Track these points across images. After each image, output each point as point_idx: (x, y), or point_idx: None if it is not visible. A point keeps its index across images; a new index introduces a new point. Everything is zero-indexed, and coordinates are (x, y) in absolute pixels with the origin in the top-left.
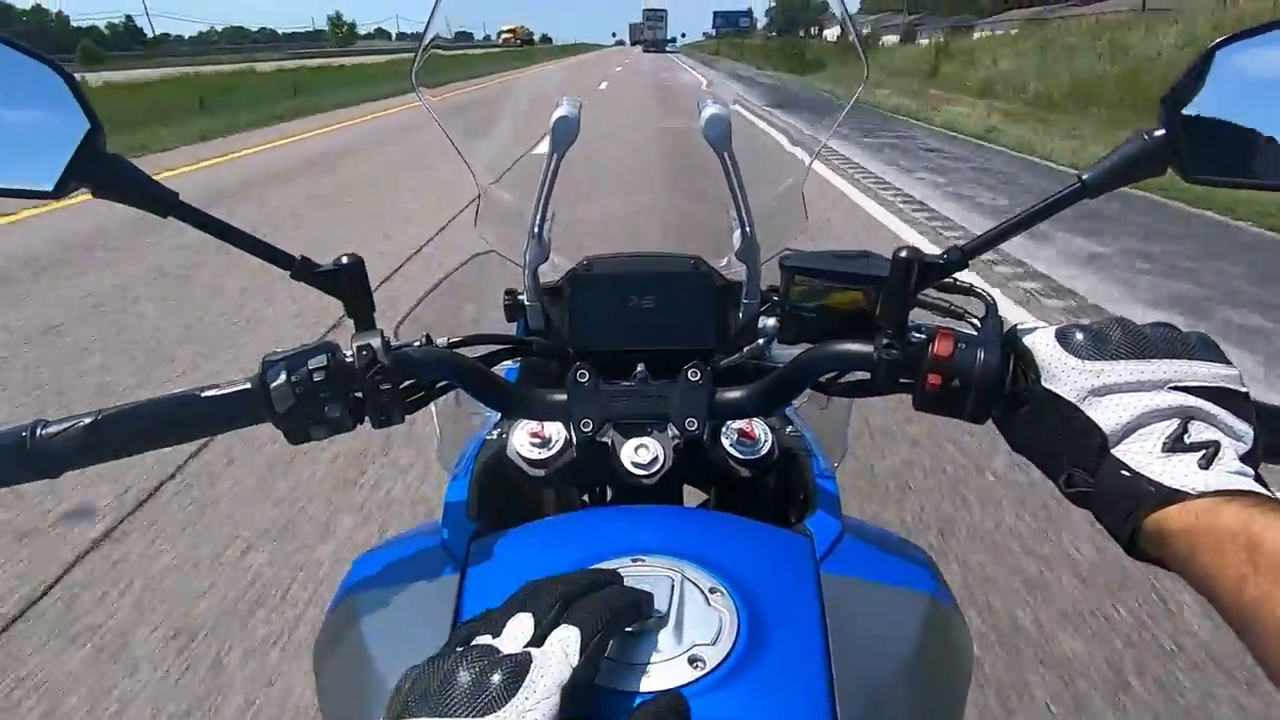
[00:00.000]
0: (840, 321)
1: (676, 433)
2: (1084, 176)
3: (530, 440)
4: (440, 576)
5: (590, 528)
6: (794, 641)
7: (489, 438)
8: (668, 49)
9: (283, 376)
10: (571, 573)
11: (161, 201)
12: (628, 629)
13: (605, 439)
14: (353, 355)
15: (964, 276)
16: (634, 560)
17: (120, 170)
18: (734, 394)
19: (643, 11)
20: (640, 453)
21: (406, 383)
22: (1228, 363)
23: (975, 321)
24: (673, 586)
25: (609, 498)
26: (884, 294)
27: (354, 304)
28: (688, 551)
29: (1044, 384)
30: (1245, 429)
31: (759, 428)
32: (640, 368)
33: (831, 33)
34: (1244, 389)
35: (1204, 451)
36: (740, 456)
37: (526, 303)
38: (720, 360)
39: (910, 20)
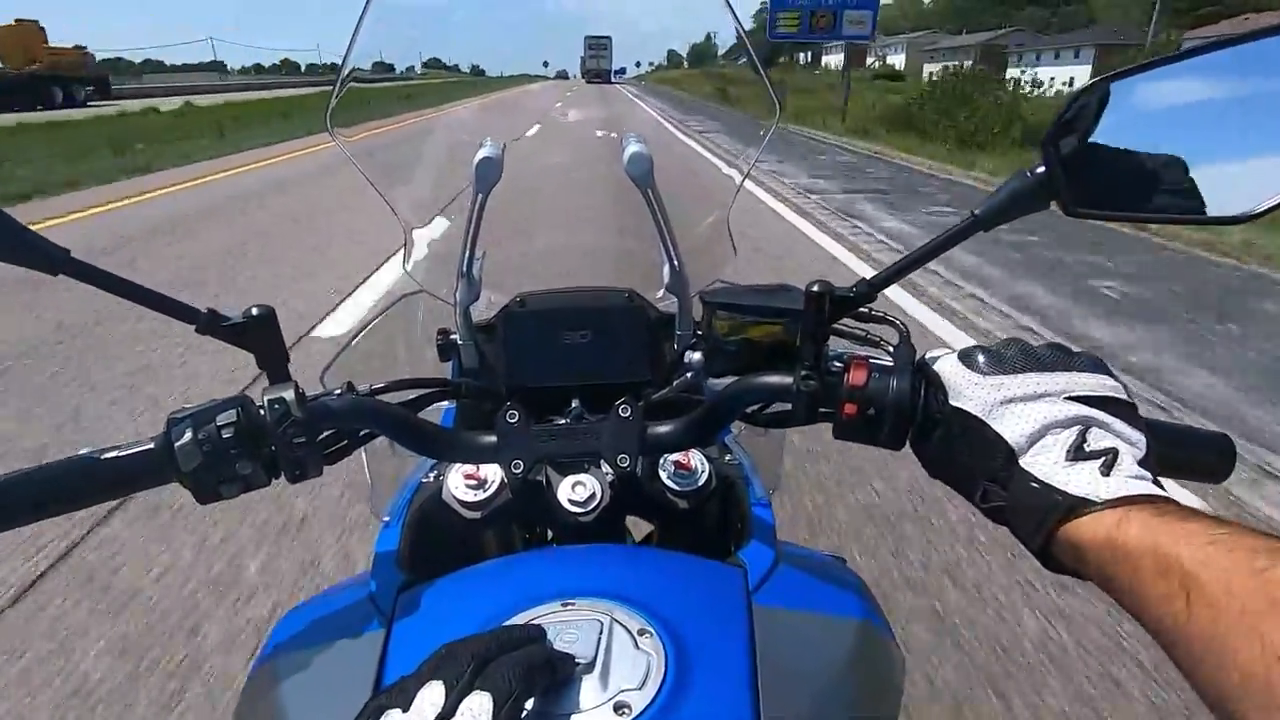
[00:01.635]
0: (764, 353)
1: (611, 469)
2: (976, 212)
3: (465, 483)
4: (365, 633)
5: (519, 573)
6: (722, 679)
7: (425, 481)
8: (615, 80)
9: (189, 434)
10: (487, 633)
11: (51, 258)
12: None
13: (540, 478)
14: (265, 409)
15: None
16: (564, 604)
17: (6, 228)
18: (664, 428)
19: (585, 39)
20: (577, 490)
21: (326, 433)
22: (1114, 377)
23: (891, 348)
24: (601, 630)
25: (550, 536)
26: (799, 327)
27: (266, 356)
28: (617, 592)
29: (952, 402)
30: (1139, 436)
31: (696, 459)
32: (575, 404)
33: (834, 59)
34: (1131, 400)
35: (1104, 458)
36: (678, 488)
37: (459, 342)
38: (653, 394)
39: (989, 41)
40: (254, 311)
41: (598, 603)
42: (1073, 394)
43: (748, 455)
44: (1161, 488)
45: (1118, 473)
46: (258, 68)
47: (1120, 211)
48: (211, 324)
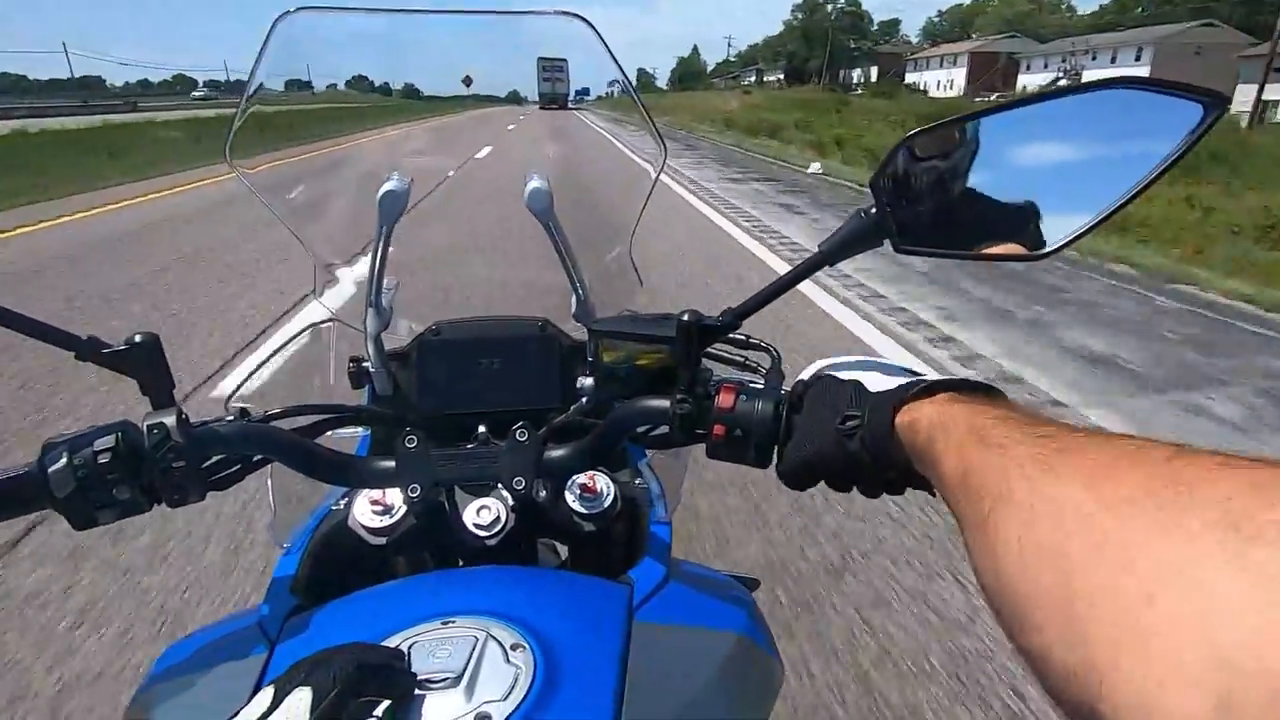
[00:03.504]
0: (649, 379)
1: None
2: (821, 248)
3: (372, 509)
4: (247, 657)
5: (404, 595)
6: (587, 689)
7: (334, 508)
8: (572, 105)
9: (64, 460)
10: (335, 647)
11: None
12: (418, 692)
13: (443, 501)
14: (145, 434)
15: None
16: (443, 623)
17: None
18: (559, 452)
19: (538, 61)
20: (481, 514)
21: (215, 459)
22: None
23: (765, 372)
24: (474, 646)
25: (460, 561)
26: (672, 354)
27: (149, 382)
28: (496, 610)
29: (806, 376)
30: None
31: (601, 481)
32: (481, 429)
33: (930, 76)
34: None
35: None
36: (583, 511)
37: (371, 369)
38: (554, 420)
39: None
40: (136, 338)
41: (476, 620)
42: (904, 369)
43: (657, 479)
44: None
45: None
46: (143, 84)
47: (941, 249)
48: (93, 350)
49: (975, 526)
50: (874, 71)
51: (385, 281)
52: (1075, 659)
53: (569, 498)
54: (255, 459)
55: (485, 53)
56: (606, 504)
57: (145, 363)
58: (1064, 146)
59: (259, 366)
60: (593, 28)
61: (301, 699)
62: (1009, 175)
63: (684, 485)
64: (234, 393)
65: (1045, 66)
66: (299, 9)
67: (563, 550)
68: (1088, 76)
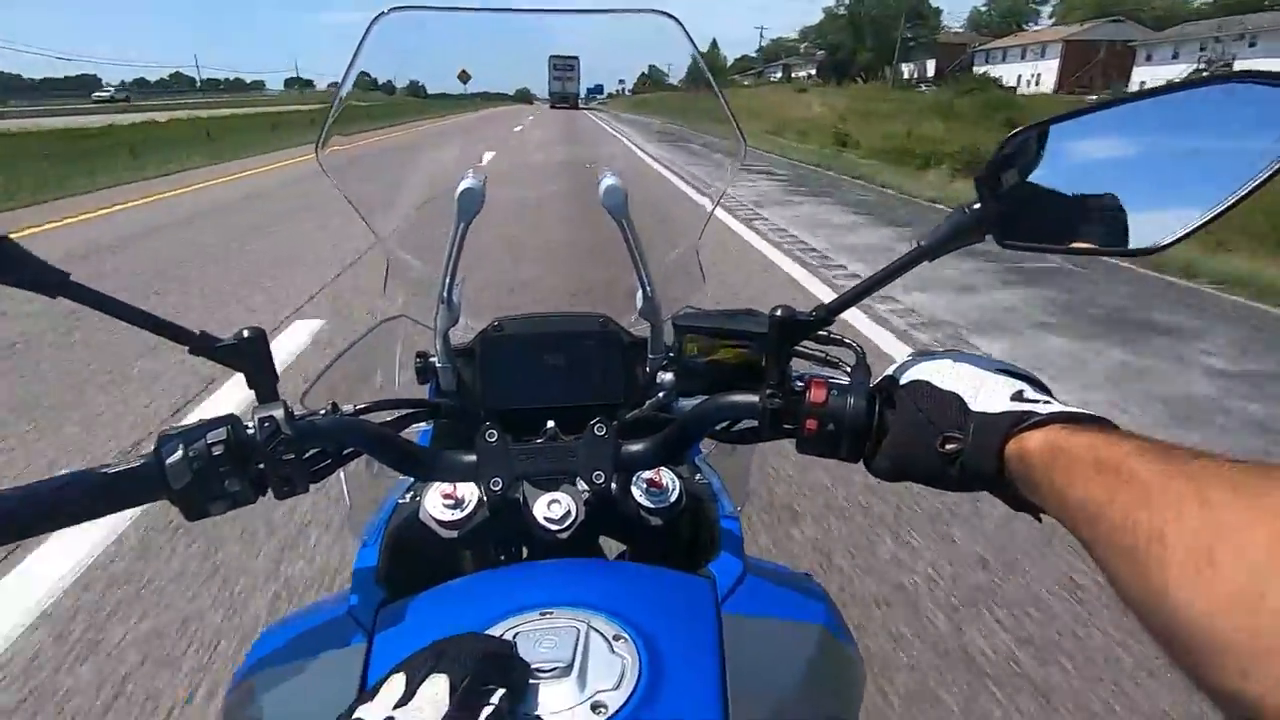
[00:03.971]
0: (731, 374)
1: (586, 487)
2: (921, 243)
3: (443, 502)
4: (346, 647)
5: (498, 585)
6: (692, 681)
7: (402, 501)
8: (583, 105)
9: (179, 452)
10: (453, 637)
11: (50, 282)
12: (531, 681)
13: (517, 496)
14: (254, 427)
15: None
16: (541, 614)
17: (7, 252)
18: (637, 446)
19: (549, 59)
20: (552, 508)
21: (312, 451)
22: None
23: (849, 369)
24: (578, 637)
25: (525, 554)
26: (764, 349)
27: (256, 376)
28: (594, 602)
29: (904, 380)
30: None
31: (667, 477)
32: (550, 424)
33: (1007, 70)
34: (1049, 388)
35: (1043, 401)
36: (650, 506)
37: (438, 365)
38: (626, 414)
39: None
40: (245, 333)
41: (575, 611)
42: (1002, 369)
43: (716, 474)
44: None
45: (1055, 406)
46: (140, 82)
47: (1047, 244)
48: (204, 345)
49: (1126, 562)
50: (930, 66)
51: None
52: None
53: (636, 493)
54: (347, 451)
55: (583, 48)
56: (673, 499)
57: (252, 357)
58: (1172, 142)
59: (334, 361)
60: (681, 26)
61: (439, 685)
62: (1110, 172)
63: (749, 480)
64: (310, 387)
65: (1175, 56)
66: (394, 9)
67: (616, 550)
68: (1242, 66)
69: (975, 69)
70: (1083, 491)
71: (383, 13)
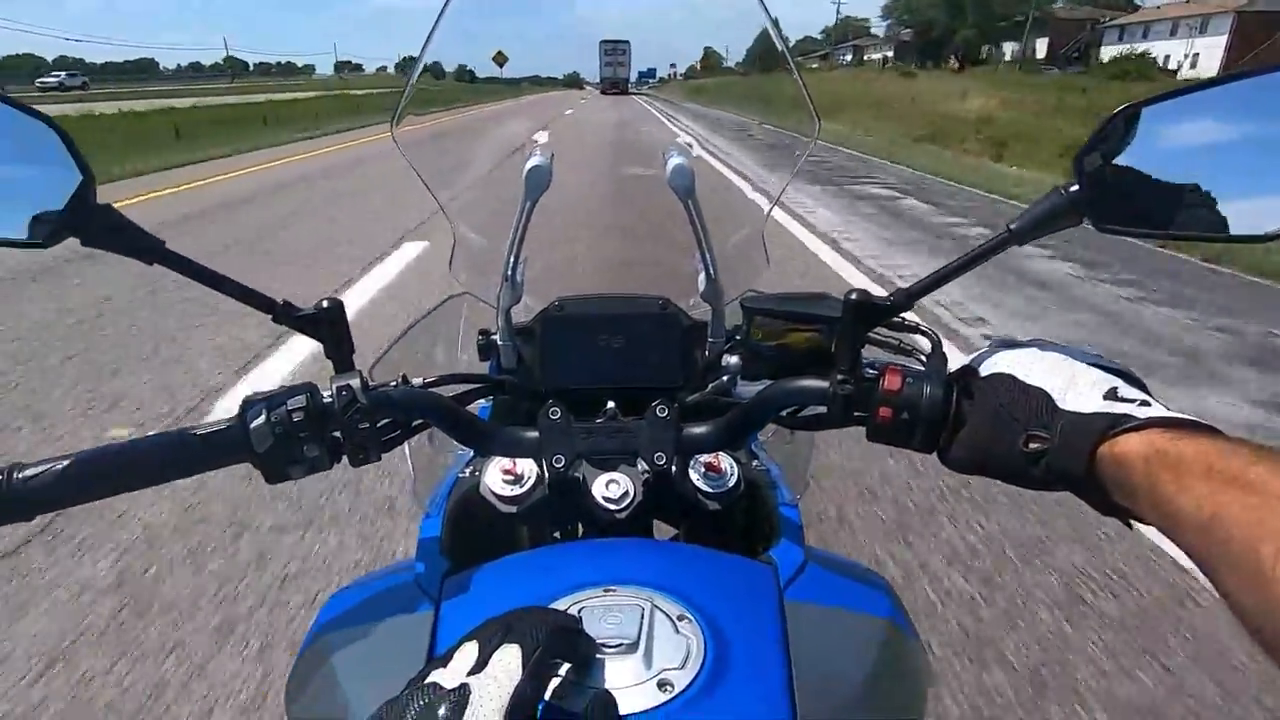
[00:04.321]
0: (799, 359)
1: (646, 467)
2: (1012, 226)
3: (503, 478)
4: (414, 613)
5: (562, 560)
6: (758, 665)
7: (462, 475)
8: (633, 89)
9: (262, 417)
10: (521, 608)
11: (148, 249)
12: (598, 656)
13: (577, 474)
14: (332, 395)
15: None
16: (605, 591)
17: (110, 220)
18: (700, 429)
19: (600, 44)
20: (611, 487)
21: (384, 421)
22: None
23: (923, 358)
24: (642, 614)
25: (581, 533)
26: (837, 333)
27: (334, 346)
28: (657, 581)
29: (986, 371)
30: (1165, 407)
31: (725, 461)
32: (610, 405)
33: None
34: (1144, 382)
35: (1139, 401)
36: (708, 490)
37: (500, 343)
38: (687, 397)
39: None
40: (324, 304)
41: (638, 590)
42: (1094, 362)
43: (774, 461)
44: None
45: (1155, 410)
46: (195, 66)
47: (1147, 229)
48: (285, 314)
49: (1248, 576)
50: (1041, 45)
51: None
52: None
53: (694, 476)
54: (416, 423)
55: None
56: (731, 484)
57: (330, 327)
58: (1270, 125)
59: (402, 336)
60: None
61: (512, 655)
62: (1210, 154)
63: (809, 468)
64: (378, 360)
65: None
66: None
67: (667, 534)
68: None
69: (1104, 48)
70: (1194, 499)
71: None
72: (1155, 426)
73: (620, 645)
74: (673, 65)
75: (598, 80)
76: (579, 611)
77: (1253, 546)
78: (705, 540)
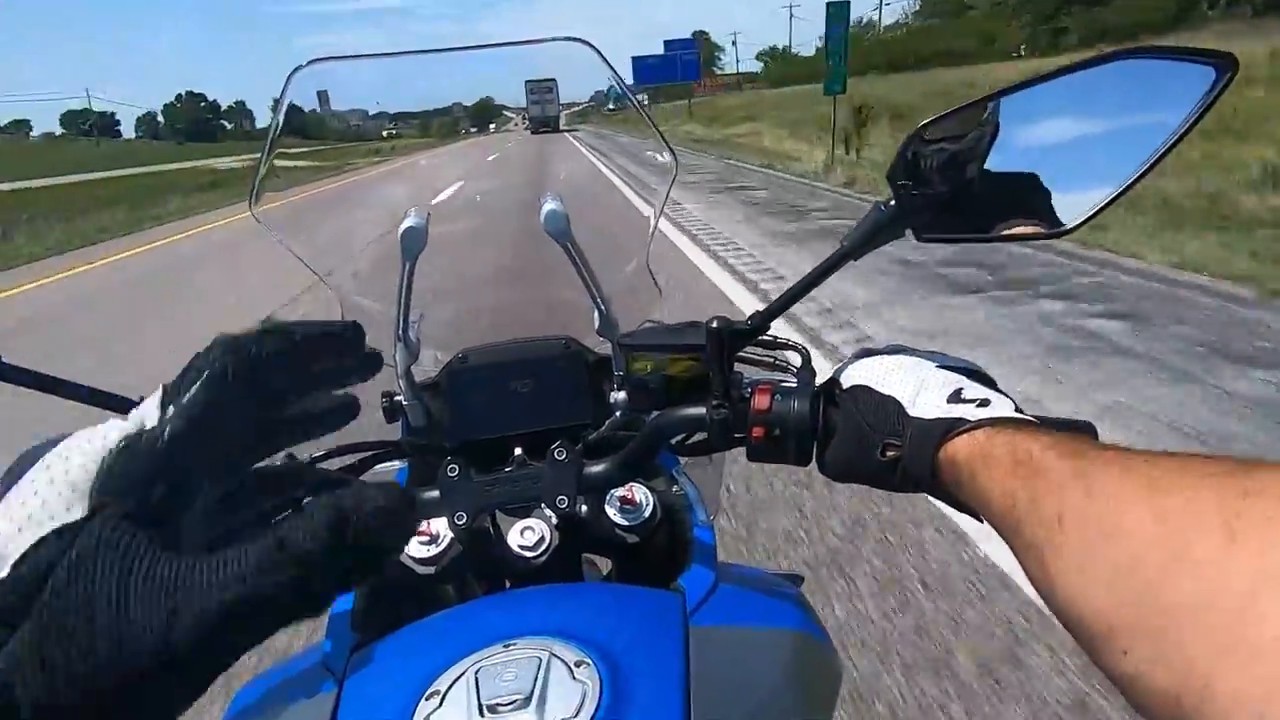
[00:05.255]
0: (684, 387)
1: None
2: (843, 244)
3: (418, 540)
4: (317, 695)
5: (463, 621)
6: (654, 700)
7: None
8: (565, 128)
9: None
10: None
11: None
12: (490, 717)
13: (487, 527)
14: None
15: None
16: (505, 646)
17: None
18: (599, 467)
19: (526, 84)
20: (525, 535)
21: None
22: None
23: (796, 371)
24: (539, 666)
25: (507, 583)
26: (704, 361)
27: None
28: (556, 629)
29: (845, 383)
30: (1006, 398)
31: (640, 493)
32: (518, 451)
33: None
34: (990, 376)
35: (979, 401)
36: (624, 523)
37: (404, 403)
38: (590, 435)
39: None
40: None
41: (538, 640)
42: (944, 364)
43: (692, 484)
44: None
45: (991, 410)
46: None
47: (966, 234)
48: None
49: (1033, 554)
50: None
51: (410, 315)
52: (1170, 679)
53: (610, 511)
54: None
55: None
56: (647, 514)
57: None
58: (1076, 122)
59: None
60: (597, 51)
61: None
62: (1023, 155)
63: (721, 488)
64: None
65: None
66: (312, 61)
67: (604, 564)
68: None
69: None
70: (1000, 488)
71: (299, 66)
72: (984, 427)
73: (513, 702)
74: (592, 97)
75: (526, 123)
76: (475, 672)
77: (1033, 521)
78: (632, 570)
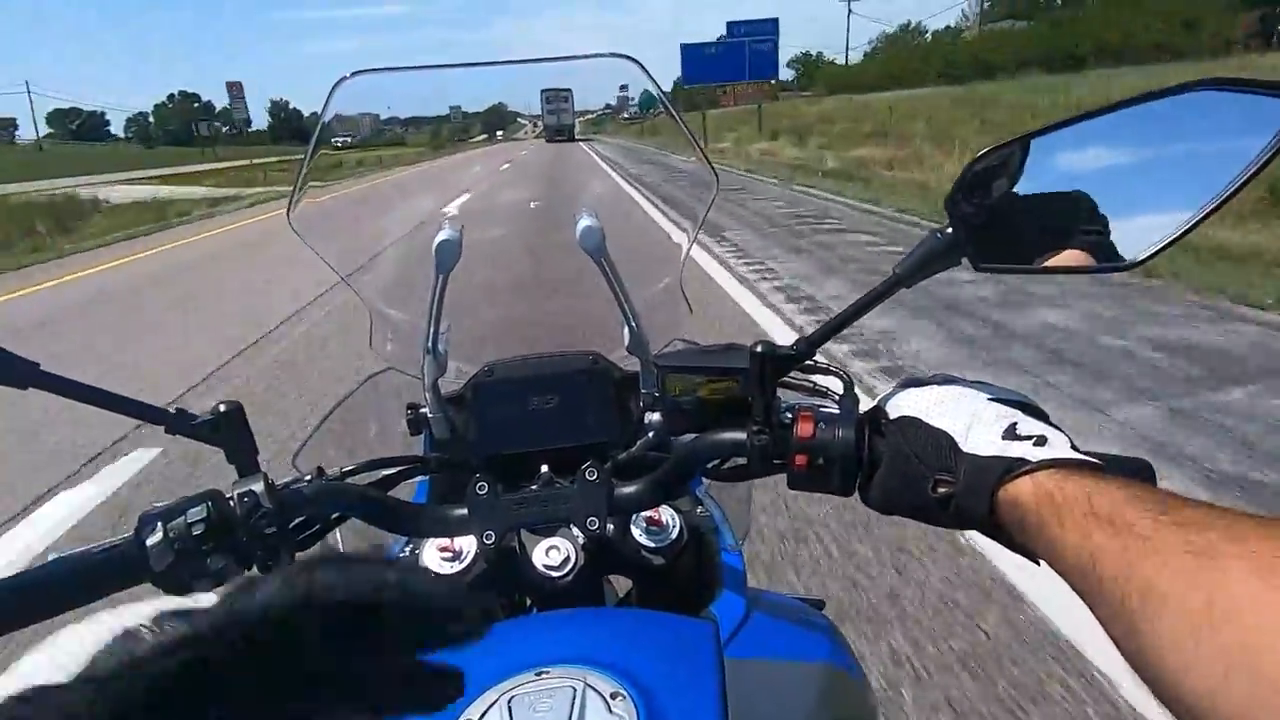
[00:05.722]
0: (720, 410)
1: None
2: (897, 270)
3: (441, 556)
4: None
5: (492, 645)
6: None
7: (401, 556)
8: (580, 136)
9: (160, 533)
10: None
11: (20, 373)
12: None
13: (513, 545)
14: (235, 502)
15: None
16: (538, 674)
17: None
18: (631, 488)
19: (541, 93)
20: (551, 555)
21: (297, 520)
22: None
23: (837, 398)
24: (574, 697)
25: (529, 603)
26: (747, 385)
27: (235, 450)
28: (590, 657)
29: (894, 414)
30: (1062, 434)
31: (666, 514)
32: (545, 469)
33: None
34: (1044, 410)
35: (1036, 438)
36: (651, 545)
37: (430, 415)
38: (619, 455)
39: None
40: (221, 408)
41: (571, 669)
42: (995, 397)
43: (718, 506)
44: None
45: (1050, 449)
46: None
47: (1023, 265)
48: (180, 423)
49: (1121, 619)
50: None
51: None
52: None
53: (635, 532)
54: (334, 516)
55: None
56: (673, 536)
57: (230, 431)
58: (1143, 154)
59: (322, 422)
60: (642, 67)
61: None
62: (1086, 187)
63: (750, 511)
64: (299, 450)
65: None
66: (355, 73)
67: (623, 585)
68: None
69: None
70: (1076, 541)
71: (344, 77)
72: (1046, 469)
73: None
74: (607, 106)
75: (541, 131)
76: (509, 701)
77: (1121, 589)
78: (655, 593)
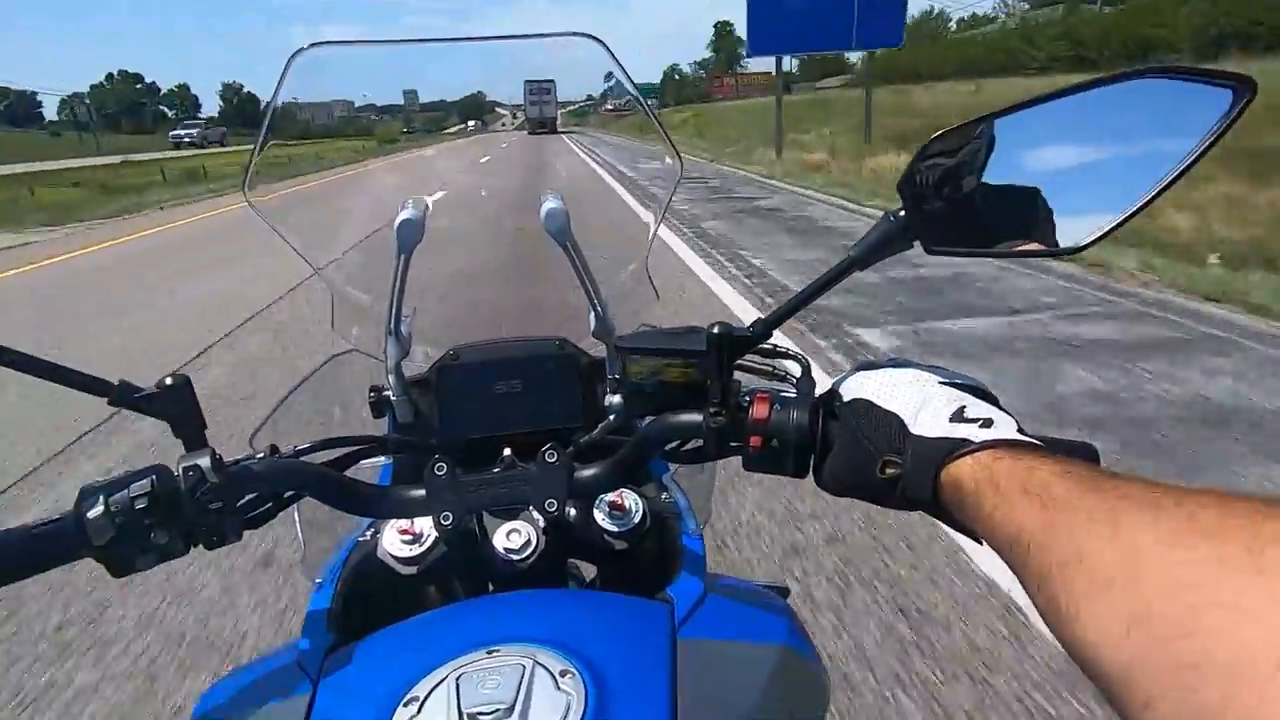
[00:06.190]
0: (679, 393)
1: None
2: (852, 253)
3: (400, 538)
4: (291, 696)
5: (445, 625)
6: (640, 713)
7: (362, 539)
8: (563, 129)
9: (100, 507)
10: None
11: None
12: None
13: (473, 528)
14: (180, 476)
15: None
16: (488, 652)
17: None
18: (590, 472)
19: (525, 84)
20: (512, 537)
21: (248, 498)
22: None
23: (794, 381)
24: (522, 674)
25: (490, 586)
26: (704, 367)
27: (181, 424)
28: (542, 636)
29: (846, 396)
30: (1010, 417)
31: (630, 499)
32: (507, 453)
33: None
34: (994, 394)
35: (982, 420)
36: (613, 529)
37: (393, 398)
38: (581, 439)
39: None
40: (168, 381)
41: (521, 648)
42: (947, 380)
43: (683, 493)
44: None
45: (994, 430)
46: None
47: (975, 248)
48: (124, 395)
49: (1044, 591)
50: None
51: (403, 309)
52: None
53: (598, 516)
54: (287, 495)
55: (499, 79)
56: (636, 521)
57: (176, 404)
58: (1089, 140)
59: (281, 403)
60: (606, 48)
61: None
62: (1033, 172)
63: (712, 498)
64: (258, 430)
65: None
66: (313, 44)
67: (589, 569)
68: None
69: None
70: (1008, 517)
71: (301, 48)
72: (989, 449)
73: (496, 711)
74: (589, 97)
75: (525, 123)
76: (457, 678)
77: (1043, 561)
78: (618, 578)
